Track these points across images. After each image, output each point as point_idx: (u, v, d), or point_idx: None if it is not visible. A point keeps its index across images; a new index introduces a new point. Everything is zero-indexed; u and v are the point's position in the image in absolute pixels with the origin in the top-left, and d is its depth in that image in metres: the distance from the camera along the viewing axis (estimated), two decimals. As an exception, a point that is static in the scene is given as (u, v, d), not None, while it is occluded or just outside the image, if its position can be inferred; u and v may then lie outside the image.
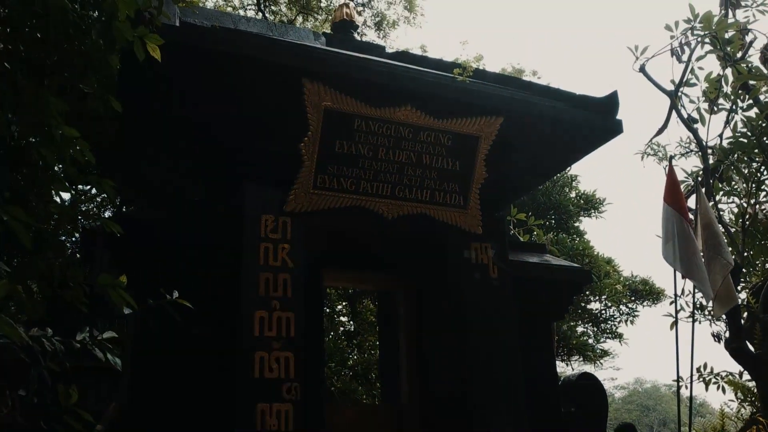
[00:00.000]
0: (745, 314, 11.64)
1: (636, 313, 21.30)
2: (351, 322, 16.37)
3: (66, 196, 5.63)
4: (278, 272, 5.25)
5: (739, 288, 11.96)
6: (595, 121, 6.14)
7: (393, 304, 6.70)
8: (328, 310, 16.29)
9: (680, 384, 8.00)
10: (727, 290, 7.60)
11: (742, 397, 12.24)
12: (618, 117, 6.31)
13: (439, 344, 5.91)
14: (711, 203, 10.01)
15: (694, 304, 9.33)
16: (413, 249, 6.20)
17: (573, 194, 19.27)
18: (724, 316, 12.02)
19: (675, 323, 7.89)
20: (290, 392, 4.97)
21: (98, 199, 13.39)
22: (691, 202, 11.36)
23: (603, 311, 21.35)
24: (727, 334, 11.73)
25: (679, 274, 7.55)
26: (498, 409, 5.54)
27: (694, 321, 8.12)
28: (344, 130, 5.48)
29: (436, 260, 6.05)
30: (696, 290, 8.25)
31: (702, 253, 7.28)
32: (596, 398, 7.00)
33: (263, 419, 4.82)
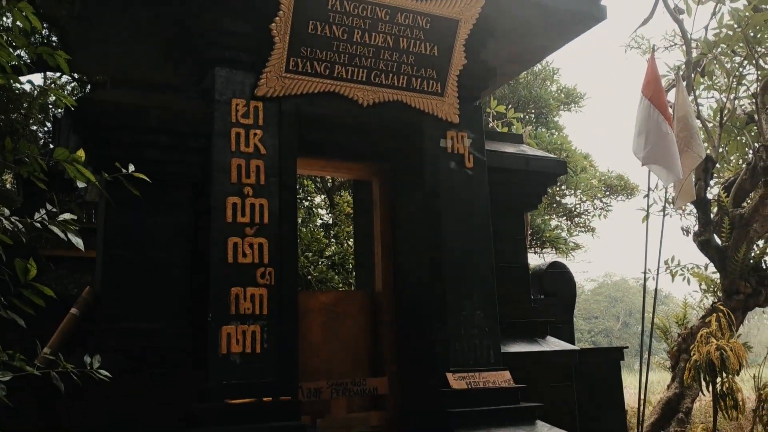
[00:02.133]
0: (715, 209, 11.88)
1: (609, 208, 21.70)
2: (329, 214, 16.47)
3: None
4: (251, 158, 5.16)
5: (711, 183, 12.14)
6: (579, 5, 5.92)
7: (368, 193, 6.68)
8: (306, 203, 16.33)
9: (647, 275, 8.25)
10: (689, 187, 7.69)
11: (706, 288, 12.72)
12: (602, 2, 6.09)
13: (412, 232, 5.95)
14: (690, 97, 9.93)
15: (666, 198, 9.45)
16: (389, 137, 6.11)
17: (554, 88, 19.05)
18: (694, 210, 12.26)
19: (647, 216, 8.02)
20: (264, 277, 5.01)
21: (69, 88, 12.94)
22: (671, 97, 11.28)
23: (577, 205, 21.69)
24: (696, 228, 12.02)
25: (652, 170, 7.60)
26: (470, 296, 5.66)
27: (664, 215, 8.25)
28: (318, 9, 5.23)
29: (411, 149, 5.98)
30: (666, 185, 8.34)
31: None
32: (565, 286, 7.20)
33: (237, 303, 4.88)
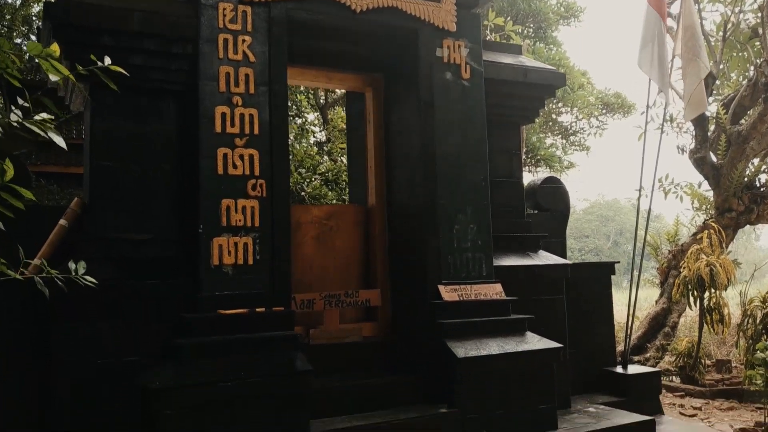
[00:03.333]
0: (713, 126, 11.75)
1: (605, 126, 21.48)
2: (322, 132, 16.24)
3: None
4: (239, 66, 4.97)
5: (710, 100, 11.95)
6: None
7: (361, 106, 6.51)
8: (299, 120, 16.06)
9: (641, 193, 8.22)
10: (699, 95, 7.53)
11: (698, 206, 12.75)
12: None
13: (406, 145, 5.83)
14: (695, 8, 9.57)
15: (665, 116, 9.29)
16: (382, 46, 5.90)
17: (553, 1, 18.47)
18: (691, 127, 12.12)
19: (645, 133, 7.90)
20: (255, 189, 4.93)
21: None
22: (675, 8, 10.90)
23: (573, 123, 21.46)
24: (692, 146, 11.93)
25: (653, 83, 7.42)
26: (463, 209, 5.61)
27: (662, 133, 8.12)
28: None
29: (406, 58, 5.78)
30: (666, 102, 8.19)
31: (680, 56, 7.09)
32: (559, 201, 7.16)
33: (229, 215, 4.82)
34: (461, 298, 5.44)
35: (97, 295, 4.40)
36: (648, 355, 10.38)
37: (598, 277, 7.00)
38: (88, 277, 2.75)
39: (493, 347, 5.27)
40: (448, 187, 5.60)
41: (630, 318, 7.30)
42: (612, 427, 5.50)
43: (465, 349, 5.15)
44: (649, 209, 7.88)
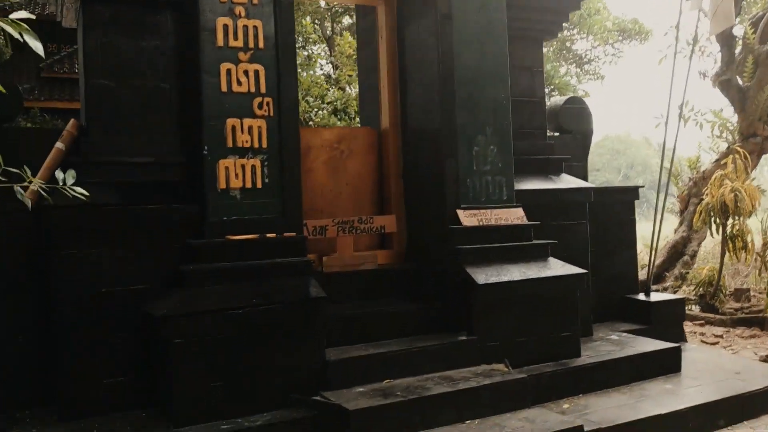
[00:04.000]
0: (739, 47, 11.19)
1: (620, 54, 20.78)
2: (329, 63, 15.71)
3: None
4: (241, -27, 4.57)
5: (737, 20, 11.33)
6: None
7: (373, 21, 6.09)
8: (305, 52, 15.50)
9: (660, 120, 7.83)
10: (726, 8, 7.05)
11: (719, 133, 12.30)
12: None
13: (422, 62, 5.46)
14: None
15: (696, 28, 8.77)
16: (396, -47, 5.45)
17: None
18: (715, 50, 11.55)
19: (675, 55, 7.43)
20: (262, 108, 4.61)
21: None
22: None
23: (588, 51, 20.75)
24: (716, 69, 11.39)
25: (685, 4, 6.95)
26: (483, 130, 5.28)
27: (694, 45, 7.66)
28: None
29: (421, -34, 5.34)
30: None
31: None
32: (582, 123, 6.80)
33: (234, 136, 4.52)
34: (481, 223, 5.18)
35: (97, 221, 4.19)
36: (667, 284, 10.18)
37: (621, 202, 6.70)
38: (78, 189, 2.47)
39: (515, 273, 5.03)
40: (467, 106, 5.25)
41: (654, 244, 7.04)
42: (637, 354, 5.32)
43: (485, 275, 4.92)
44: (677, 132, 7.51)
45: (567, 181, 6.07)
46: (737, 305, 9.35)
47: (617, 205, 6.66)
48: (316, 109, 11.81)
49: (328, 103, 12.23)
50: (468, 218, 5.15)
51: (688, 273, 10.17)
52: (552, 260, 5.33)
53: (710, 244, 11.64)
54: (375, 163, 5.86)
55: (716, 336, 7.76)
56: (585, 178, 6.71)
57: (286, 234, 4.54)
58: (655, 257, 7.07)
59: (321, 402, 4.14)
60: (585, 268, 5.71)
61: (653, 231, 7.01)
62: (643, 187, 7.07)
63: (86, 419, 4.05)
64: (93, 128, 4.54)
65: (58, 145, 4.52)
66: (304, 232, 4.97)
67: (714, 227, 8.98)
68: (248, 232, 4.45)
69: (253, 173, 4.55)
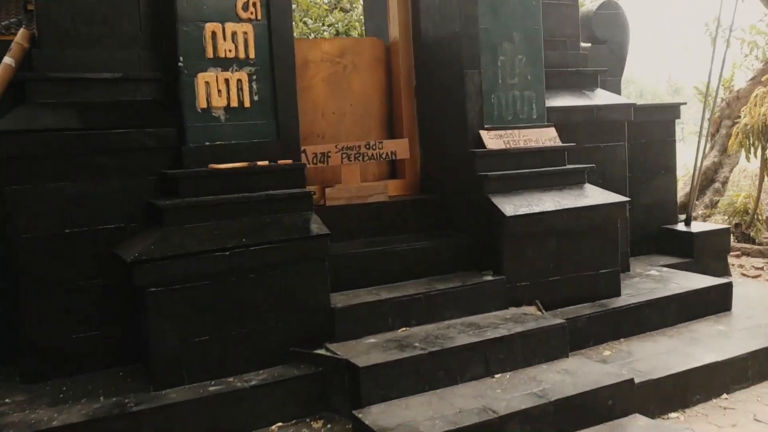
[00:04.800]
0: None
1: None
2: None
3: None
4: None
5: None
6: None
7: None
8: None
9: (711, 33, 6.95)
10: None
11: (748, 52, 11.34)
12: None
13: (437, -43, 4.63)
14: None
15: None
16: None
17: None
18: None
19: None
20: (248, 9, 3.84)
21: None
22: None
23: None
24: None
25: None
26: (509, 37, 4.50)
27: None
28: None
29: None
30: None
31: None
32: (618, 31, 5.98)
33: (215, 44, 3.77)
34: (508, 146, 4.46)
35: (56, 149, 3.50)
36: (697, 212, 9.49)
37: (661, 121, 5.94)
38: None
39: (547, 203, 4.34)
40: (491, 7, 4.45)
41: (699, 166, 6.31)
42: (683, 293, 4.68)
43: (513, 206, 4.24)
44: (728, 42, 6.68)
45: (604, 97, 5.31)
46: (772, 234, 8.71)
47: (656, 124, 5.90)
48: (315, 33, 10.89)
49: (329, 26, 11.28)
50: (493, 140, 4.44)
51: (719, 201, 9.47)
52: (589, 187, 4.64)
53: (742, 170, 10.89)
54: (383, 79, 5.10)
55: (757, 268, 7.13)
56: (619, 94, 5.94)
57: (280, 162, 3.85)
58: (698, 182, 6.35)
59: (326, 357, 3.54)
60: (623, 193, 5.04)
61: (697, 153, 6.28)
62: (685, 104, 6.30)
63: (53, 381, 3.48)
64: (47, 38, 3.79)
65: (7, 60, 3.78)
66: (302, 159, 4.28)
67: (752, 151, 8.24)
68: (235, 159, 3.76)
69: (240, 89, 3.82)
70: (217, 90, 3.76)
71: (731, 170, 10.06)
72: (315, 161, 4.42)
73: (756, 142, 8.16)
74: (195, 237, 3.46)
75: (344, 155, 4.52)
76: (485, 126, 4.48)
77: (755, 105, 8.12)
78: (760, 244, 8.15)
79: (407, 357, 3.41)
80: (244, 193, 3.69)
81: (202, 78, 3.73)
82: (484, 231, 4.35)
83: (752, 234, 8.27)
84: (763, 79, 8.85)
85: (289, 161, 3.87)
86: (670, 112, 5.99)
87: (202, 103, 3.73)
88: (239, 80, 3.81)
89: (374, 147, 4.61)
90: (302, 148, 4.36)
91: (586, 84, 5.37)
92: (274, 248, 3.53)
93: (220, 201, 3.61)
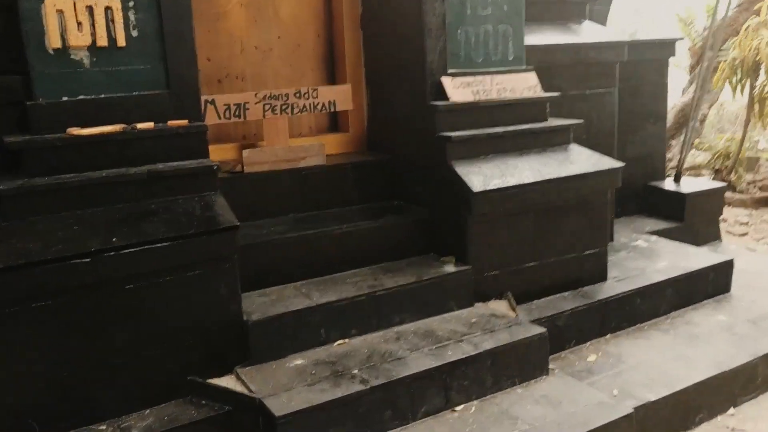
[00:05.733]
0: None
1: None
2: None
3: None
4: None
5: None
6: None
7: None
8: None
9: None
10: None
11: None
12: None
13: None
14: None
15: None
16: None
17: None
18: None
19: None
20: None
21: None
22: None
23: None
24: None
25: None
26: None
27: None
28: None
29: None
30: None
31: None
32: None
33: (63, 25, 2.65)
34: (477, 98, 3.50)
35: None
36: (670, 155, 8.76)
37: (653, 60, 5.02)
38: None
39: (525, 172, 3.44)
40: None
41: (691, 114, 5.47)
42: (679, 276, 3.91)
43: (483, 177, 3.32)
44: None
45: (592, 33, 4.34)
46: (749, 177, 8.05)
47: (647, 64, 4.99)
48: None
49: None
50: (459, 90, 3.46)
51: (697, 142, 8.73)
52: (575, 148, 3.75)
53: (720, 106, 10.15)
54: (321, 4, 4.01)
55: (742, 224, 6.46)
56: (605, 26, 4.97)
57: (172, 123, 2.82)
58: (691, 133, 5.52)
59: (233, 393, 2.64)
60: (610, 153, 4.19)
61: (694, 98, 5.42)
62: (682, 39, 5.37)
63: None
64: None
65: None
66: (209, 114, 3.26)
67: (739, 88, 7.43)
68: (106, 121, 2.71)
69: (110, 21, 2.72)
70: (76, 22, 2.66)
71: (710, 107, 9.29)
72: (227, 115, 3.38)
73: (744, 79, 7.35)
74: (43, 237, 2.45)
75: (267, 106, 3.49)
76: (449, 71, 3.49)
77: (746, 37, 7.25)
78: (741, 192, 7.49)
79: (342, 397, 2.55)
80: (119, 168, 2.68)
81: (52, 4, 2.62)
82: (446, 206, 3.44)
83: (733, 180, 7.60)
84: (755, 9, 7.94)
85: (184, 122, 2.83)
86: (664, 50, 5.06)
87: (54, 42, 2.63)
88: (108, 8, 2.71)
89: (307, 95, 3.58)
90: (209, 98, 3.32)
91: (572, 15, 4.39)
92: (159, 249, 2.56)
93: (82, 181, 2.59)
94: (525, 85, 3.67)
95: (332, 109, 3.68)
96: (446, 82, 3.45)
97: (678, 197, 4.99)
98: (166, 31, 2.80)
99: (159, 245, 2.55)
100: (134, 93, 2.78)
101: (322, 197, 3.62)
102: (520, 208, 3.41)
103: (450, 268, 3.32)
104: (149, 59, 2.80)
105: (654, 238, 4.62)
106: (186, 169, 2.75)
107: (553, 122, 3.74)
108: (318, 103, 3.61)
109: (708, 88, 8.86)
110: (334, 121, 4.14)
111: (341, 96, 3.68)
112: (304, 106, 3.57)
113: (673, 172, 5.30)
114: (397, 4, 3.59)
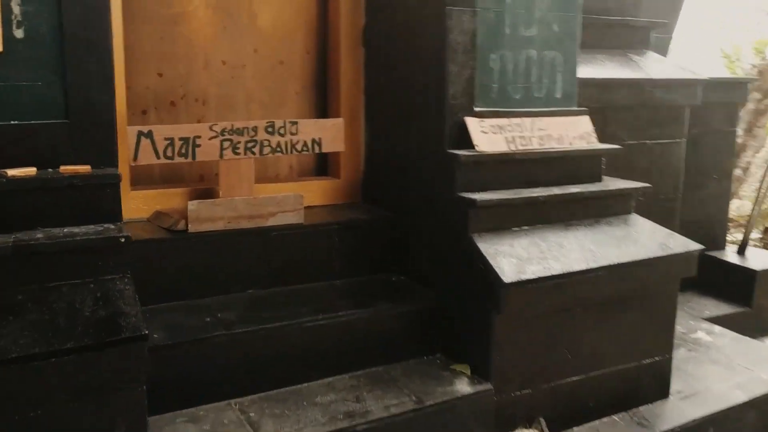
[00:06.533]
0: None
1: None
2: None
3: None
4: None
5: None
6: None
7: None
8: None
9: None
10: None
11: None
12: None
13: None
14: None
15: None
16: None
17: None
18: None
19: None
20: None
21: None
22: None
23: None
24: None
25: None
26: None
27: None
28: None
29: None
30: None
31: None
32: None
33: None
34: (512, 147, 2.58)
35: None
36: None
37: (722, 104, 4.09)
38: None
39: (573, 253, 2.50)
40: None
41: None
42: (764, 395, 2.95)
43: (517, 261, 2.38)
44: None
45: (659, 66, 3.42)
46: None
47: (715, 109, 4.05)
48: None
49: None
50: (489, 136, 2.54)
51: (743, 192, 7.78)
52: (636, 220, 2.82)
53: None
54: (313, 9, 3.10)
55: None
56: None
57: (66, 169, 1.90)
58: (766, 193, 4.55)
59: None
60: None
61: None
62: (758, 80, 4.45)
63: None
64: None
65: None
66: (142, 151, 2.34)
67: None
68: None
69: (-21, 13, 1.82)
70: None
71: (755, 154, 8.35)
72: (169, 153, 2.45)
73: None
74: None
75: (227, 143, 2.56)
76: (476, 108, 2.57)
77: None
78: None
79: None
80: (-25, 238, 1.75)
81: None
82: (463, 294, 2.51)
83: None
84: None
85: (85, 167, 1.91)
86: (734, 92, 4.13)
87: None
88: (-22, -6, 1.80)
89: (283, 131, 2.66)
90: (144, 129, 2.40)
91: (633, 42, 3.47)
92: (13, 374, 1.62)
93: None
94: (575, 132, 2.75)
95: (316, 150, 2.74)
96: (472, 124, 2.53)
97: (745, 274, 4.02)
98: (67, 33, 1.90)
99: (13, 367, 1.61)
100: (11, 122, 1.86)
101: (294, 268, 2.68)
102: (564, 304, 2.47)
103: (464, 387, 2.37)
104: (39, 73, 1.90)
105: (718, 329, 3.65)
106: (77, 242, 1.82)
107: (610, 183, 2.81)
108: (297, 142, 2.68)
109: (755, 134, 7.96)
110: (323, 162, 3.21)
111: (330, 133, 2.75)
112: (278, 145, 2.64)
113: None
114: (413, 15, 2.68)
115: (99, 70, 1.93)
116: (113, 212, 1.93)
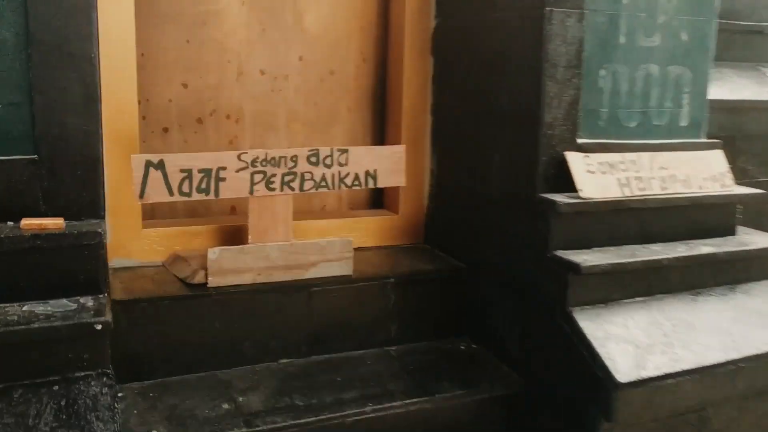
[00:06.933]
0: None
1: None
2: None
3: None
4: None
5: None
6: None
7: None
8: None
9: None
10: None
11: None
12: None
13: None
14: None
15: None
16: None
17: None
18: None
19: None
20: None
21: None
22: None
23: None
24: None
25: None
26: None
27: None
28: None
29: None
30: None
31: None
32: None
33: None
34: (627, 192, 1.97)
35: None
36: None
37: None
38: None
39: (706, 337, 1.88)
40: None
41: None
42: None
43: (634, 348, 1.78)
44: None
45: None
46: None
47: None
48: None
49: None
50: (596, 177, 1.94)
51: None
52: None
53: None
54: (371, 11, 2.55)
55: None
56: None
57: (29, 224, 1.39)
58: None
59: None
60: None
61: None
62: None
63: None
64: None
65: None
66: (150, 186, 1.84)
67: None
68: None
69: None
70: None
71: None
72: (186, 189, 1.94)
73: None
74: None
75: (259, 176, 2.04)
76: (580, 139, 1.98)
77: None
78: None
79: None
80: None
81: None
82: (556, 383, 1.92)
83: None
84: None
85: (58, 221, 1.41)
86: None
87: None
88: None
89: (330, 161, 2.11)
90: (154, 159, 1.89)
91: (766, 53, 2.80)
92: None
93: None
94: (707, 171, 2.12)
95: (371, 185, 2.19)
96: (575, 160, 1.94)
97: None
98: (35, 40, 1.39)
99: None
100: (-42, 161, 1.37)
101: (338, 331, 2.14)
102: (695, 406, 1.86)
103: None
104: (1, 93, 1.39)
105: None
106: (34, 331, 1.31)
107: (746, 239, 2.17)
108: (347, 175, 2.13)
109: None
110: (378, 192, 2.66)
111: (388, 164, 2.19)
112: (323, 178, 2.10)
113: None
114: (499, 17, 2.10)
115: (79, 90, 1.42)
116: (93, 282, 1.42)
